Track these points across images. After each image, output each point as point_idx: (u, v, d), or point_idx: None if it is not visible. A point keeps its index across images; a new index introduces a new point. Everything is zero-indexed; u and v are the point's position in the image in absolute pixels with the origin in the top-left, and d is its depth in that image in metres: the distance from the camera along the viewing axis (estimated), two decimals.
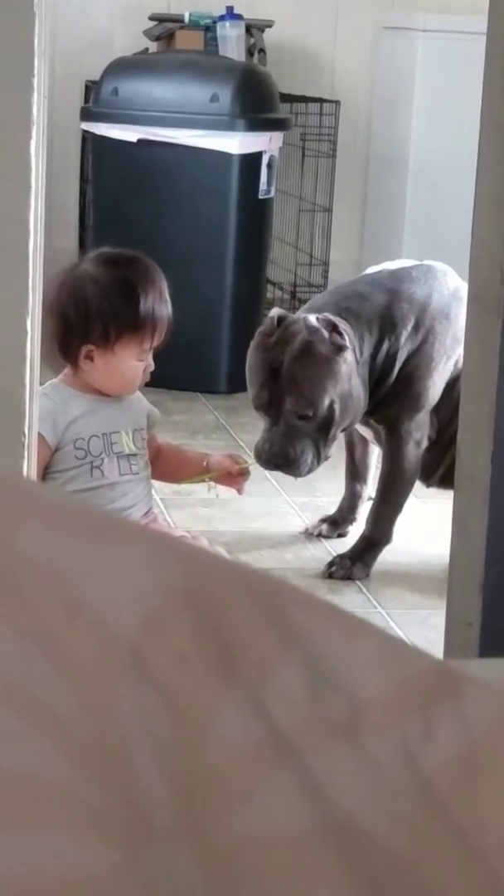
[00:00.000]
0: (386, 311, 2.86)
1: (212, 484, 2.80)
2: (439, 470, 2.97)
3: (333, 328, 2.75)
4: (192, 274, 4.01)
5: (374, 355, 2.85)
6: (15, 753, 0.55)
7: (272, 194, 4.31)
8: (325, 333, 2.74)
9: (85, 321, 2.65)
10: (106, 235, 3.88)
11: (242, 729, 0.61)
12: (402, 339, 2.87)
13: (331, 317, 2.76)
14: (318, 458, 2.79)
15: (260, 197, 4.23)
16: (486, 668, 0.80)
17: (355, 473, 3.14)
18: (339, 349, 2.75)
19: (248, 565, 0.69)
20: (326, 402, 2.75)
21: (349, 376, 2.77)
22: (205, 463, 2.80)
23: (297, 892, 0.55)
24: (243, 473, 2.79)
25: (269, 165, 4.23)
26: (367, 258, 4.70)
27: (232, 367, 4.11)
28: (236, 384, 4.07)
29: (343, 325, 2.76)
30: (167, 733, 0.60)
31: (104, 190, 4.32)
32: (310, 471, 2.80)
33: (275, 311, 2.84)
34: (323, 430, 2.76)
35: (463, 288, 2.90)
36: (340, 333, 2.75)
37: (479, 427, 1.86)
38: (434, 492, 3.07)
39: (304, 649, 0.65)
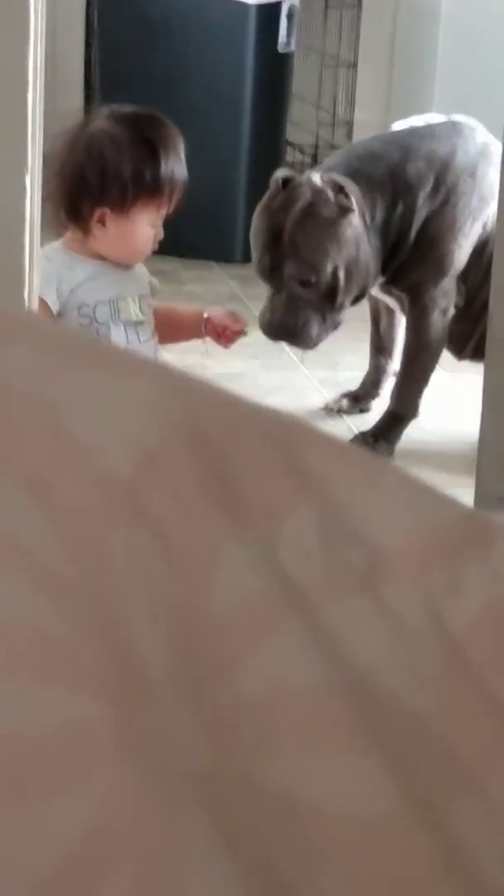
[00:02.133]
0: (400, 171, 2.81)
1: (207, 340, 2.77)
2: (471, 341, 2.94)
3: (339, 189, 2.71)
4: (205, 135, 3.94)
5: (387, 220, 2.80)
6: None
7: (292, 48, 4.23)
8: (330, 194, 2.70)
9: (101, 182, 2.60)
10: (113, 93, 3.80)
11: (248, 578, 0.58)
12: (419, 200, 2.82)
13: (336, 177, 2.73)
14: (325, 329, 2.76)
15: (279, 51, 4.16)
16: None
17: (380, 346, 3.11)
18: (345, 211, 2.71)
19: (258, 403, 0.65)
20: (329, 267, 2.72)
21: (356, 241, 2.73)
22: (205, 315, 2.76)
23: (306, 749, 0.53)
24: (241, 333, 2.75)
25: (290, 16, 4.14)
26: (394, 118, 4.59)
27: (248, 235, 4.05)
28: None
29: (350, 187, 2.73)
30: (165, 582, 0.57)
31: (111, 43, 4.24)
32: (316, 342, 2.78)
33: (280, 172, 2.82)
34: (328, 299, 2.73)
35: (494, 145, 2.84)
36: (347, 195, 2.71)
37: None
38: (466, 365, 3.03)
39: (320, 494, 0.62)
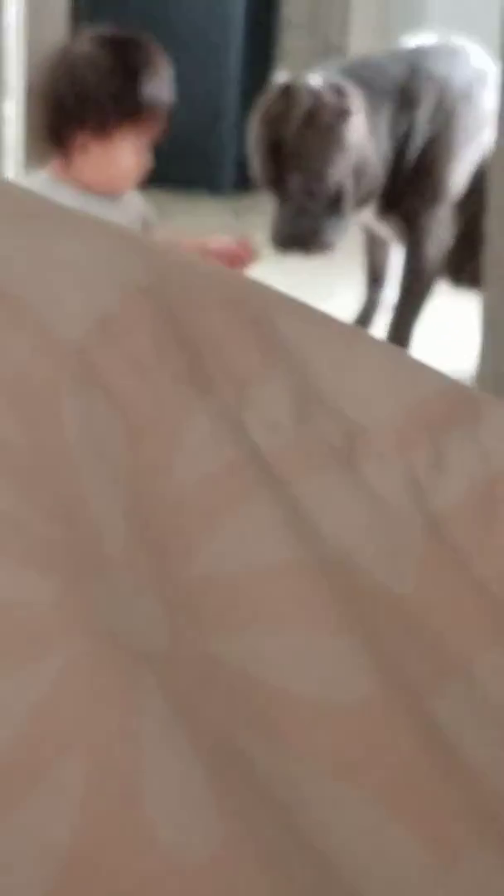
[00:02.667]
0: (404, 85, 2.78)
1: None
2: (467, 267, 2.90)
3: (339, 92, 2.66)
4: (193, 64, 3.88)
5: (390, 130, 2.76)
6: None
7: None
8: (330, 98, 2.66)
9: (81, 107, 2.56)
10: (100, 21, 3.74)
11: (213, 451, 0.54)
12: (421, 119, 2.78)
13: (336, 79, 2.68)
14: (337, 233, 2.73)
15: None
16: None
17: (375, 278, 3.08)
18: (345, 114, 2.67)
19: (228, 269, 0.61)
20: (335, 174, 2.68)
21: (359, 144, 2.69)
22: (211, 248, 2.70)
23: (274, 630, 0.49)
24: (251, 257, 2.70)
25: None
26: (390, 45, 4.54)
27: (239, 165, 4.00)
28: (244, 183, 3.97)
29: (350, 89, 2.68)
30: (122, 453, 0.52)
31: None
32: (331, 247, 2.74)
33: (280, 77, 2.77)
34: (335, 205, 2.70)
35: (489, 69, 2.79)
36: (346, 97, 2.66)
37: None
38: (462, 294, 2.99)
39: (292, 363, 0.58)
